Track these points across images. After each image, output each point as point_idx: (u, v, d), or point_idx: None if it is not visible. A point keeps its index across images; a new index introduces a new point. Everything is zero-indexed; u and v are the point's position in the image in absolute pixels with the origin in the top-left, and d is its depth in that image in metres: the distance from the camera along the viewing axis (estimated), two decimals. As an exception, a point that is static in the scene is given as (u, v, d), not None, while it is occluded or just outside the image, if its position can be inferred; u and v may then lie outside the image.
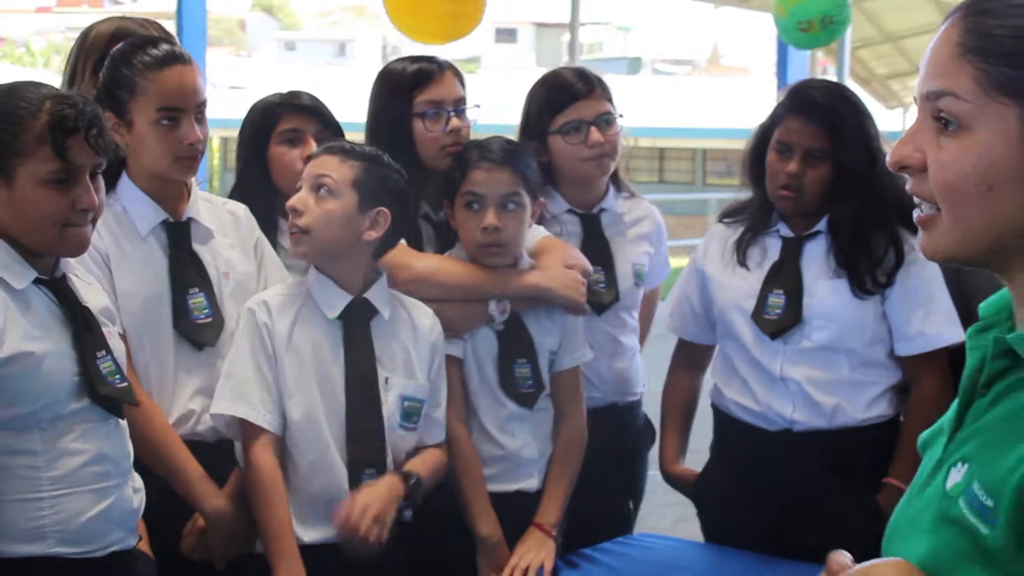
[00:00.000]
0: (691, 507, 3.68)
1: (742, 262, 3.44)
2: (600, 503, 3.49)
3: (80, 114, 2.47)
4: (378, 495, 2.83)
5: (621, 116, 3.52)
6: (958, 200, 1.38)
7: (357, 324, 2.94)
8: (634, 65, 38.27)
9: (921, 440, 1.61)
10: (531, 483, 3.20)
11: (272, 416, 2.88)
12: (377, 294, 2.97)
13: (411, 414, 2.97)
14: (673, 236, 4.49)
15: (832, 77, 16.61)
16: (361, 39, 53.08)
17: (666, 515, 3.85)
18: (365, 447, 2.90)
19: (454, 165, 3.19)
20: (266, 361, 2.89)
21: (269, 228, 3.28)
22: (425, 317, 3.04)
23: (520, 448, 3.18)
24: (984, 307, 1.52)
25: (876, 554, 1.54)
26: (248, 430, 2.89)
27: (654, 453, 3.74)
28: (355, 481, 2.88)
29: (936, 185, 1.40)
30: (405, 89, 3.39)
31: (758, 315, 3.35)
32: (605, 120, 3.47)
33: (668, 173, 28.74)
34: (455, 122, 3.37)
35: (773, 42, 11.60)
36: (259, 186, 3.37)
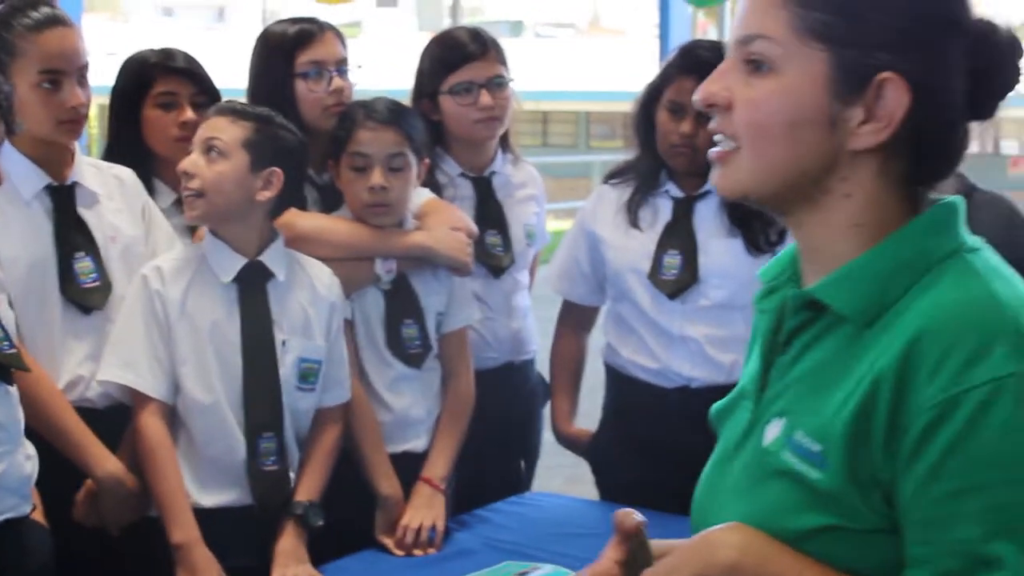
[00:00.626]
0: (581, 467, 3.70)
1: (634, 223, 3.45)
2: (495, 464, 3.52)
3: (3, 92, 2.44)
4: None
5: (512, 80, 3.52)
6: (763, 137, 1.42)
7: (252, 287, 2.92)
8: (516, 28, 38.19)
9: (713, 412, 1.64)
10: (419, 443, 3.21)
11: (161, 384, 2.86)
12: (273, 256, 2.95)
13: (308, 375, 2.96)
14: (557, 199, 4.47)
15: (714, 38, 16.74)
16: (239, 4, 52.43)
17: (555, 476, 3.87)
18: (261, 411, 2.89)
19: (339, 125, 3.17)
20: (156, 328, 2.86)
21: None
22: (323, 275, 3.03)
23: (408, 408, 3.19)
24: (764, 272, 1.58)
25: None
26: (136, 398, 2.87)
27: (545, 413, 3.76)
28: (252, 445, 2.87)
29: (742, 122, 1.43)
30: (286, 50, 3.35)
31: (655, 276, 3.37)
32: (496, 83, 3.47)
33: (551, 136, 28.79)
34: (337, 82, 3.34)
35: (653, 5, 11.64)
36: (133, 149, 3.29)
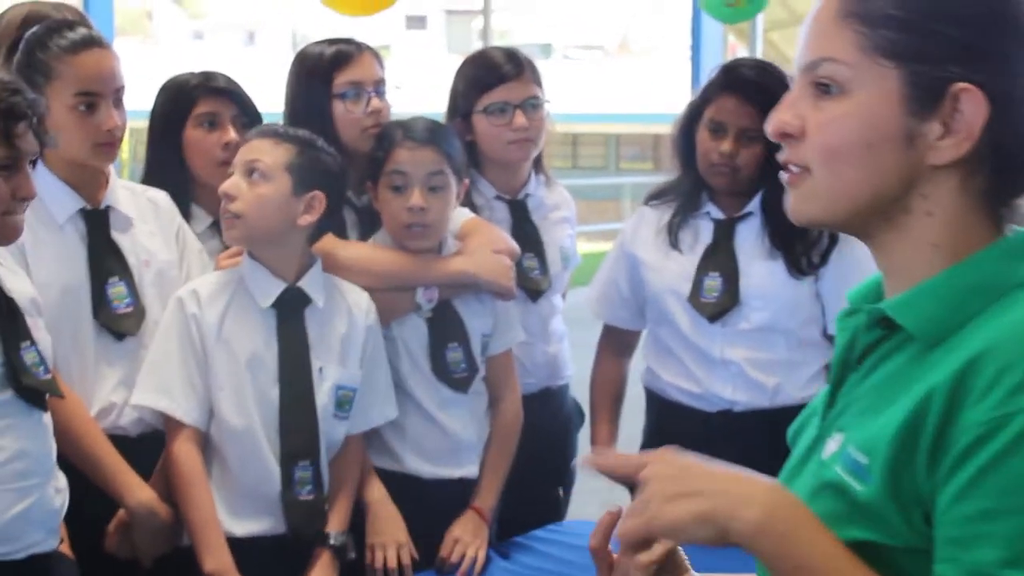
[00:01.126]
0: (616, 491, 3.63)
1: (675, 245, 3.40)
2: (531, 490, 3.46)
3: (29, 102, 2.40)
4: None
5: (548, 102, 3.48)
6: (838, 160, 1.40)
7: (291, 313, 2.88)
8: (545, 51, 38.23)
9: (791, 431, 1.62)
10: (472, 469, 3.18)
11: (195, 410, 2.82)
12: (312, 281, 2.91)
13: (344, 403, 2.93)
14: (588, 221, 4.43)
15: (744, 60, 16.71)
16: (270, 26, 52.69)
17: (590, 501, 3.83)
18: (298, 439, 2.85)
19: (377, 146, 3.13)
20: (192, 353, 2.83)
21: (183, 216, 3.19)
22: (362, 301, 2.99)
23: (460, 431, 3.15)
24: (852, 294, 1.54)
25: None
26: (170, 424, 2.84)
27: (582, 438, 3.70)
28: (287, 474, 2.83)
29: (815, 147, 1.42)
30: (324, 71, 3.32)
31: (695, 298, 3.33)
32: (531, 104, 3.43)
33: (581, 159, 28.76)
34: (375, 103, 3.30)
35: (682, 27, 11.64)
36: (172, 171, 3.26)
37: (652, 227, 3.47)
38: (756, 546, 1.34)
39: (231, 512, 2.83)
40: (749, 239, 3.34)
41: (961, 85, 1.35)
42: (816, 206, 1.44)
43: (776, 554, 1.34)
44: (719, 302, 3.31)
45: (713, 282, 3.32)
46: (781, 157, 1.46)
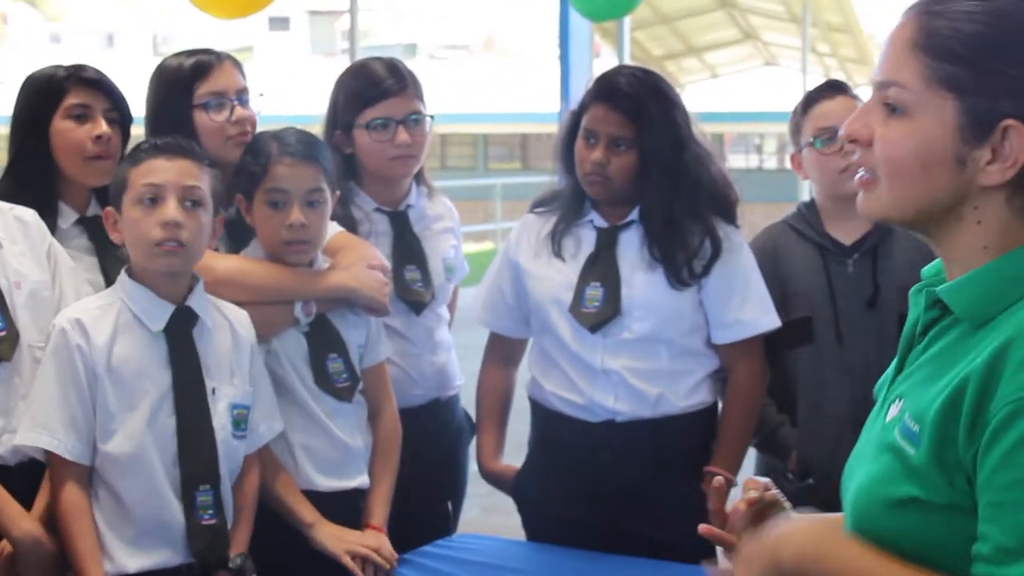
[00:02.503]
0: (495, 496, 3.62)
1: (557, 253, 3.38)
2: (422, 504, 3.43)
3: None
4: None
5: (431, 117, 3.44)
6: (898, 173, 1.62)
7: (181, 335, 2.80)
8: (410, 51, 38.22)
9: (877, 387, 1.81)
10: (364, 480, 3.14)
11: (78, 446, 2.73)
12: (198, 300, 2.83)
13: (240, 422, 2.86)
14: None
15: (612, 60, 16.80)
16: (129, 29, 51.88)
17: (471, 506, 3.81)
18: (197, 464, 2.77)
19: (252, 160, 3.06)
20: (74, 387, 2.73)
21: (49, 213, 3.07)
22: (242, 317, 2.93)
23: (349, 440, 3.11)
24: (927, 270, 1.76)
25: (705, 542, 1.98)
26: (53, 460, 2.74)
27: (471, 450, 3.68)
28: (188, 500, 2.75)
29: (880, 158, 1.63)
30: (184, 83, 3.26)
31: (576, 308, 3.30)
32: (414, 119, 3.38)
33: (450, 159, 28.73)
34: (240, 111, 3.25)
35: (548, 26, 11.67)
36: (39, 165, 3.14)
37: (535, 235, 3.44)
38: (801, 571, 1.69)
39: (127, 546, 2.74)
40: (631, 248, 3.32)
41: (1010, 121, 1.55)
42: (880, 208, 1.67)
43: (816, 572, 1.67)
44: (600, 312, 3.28)
45: (595, 292, 3.29)
46: (856, 158, 1.69)
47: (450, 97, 24.81)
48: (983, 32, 1.57)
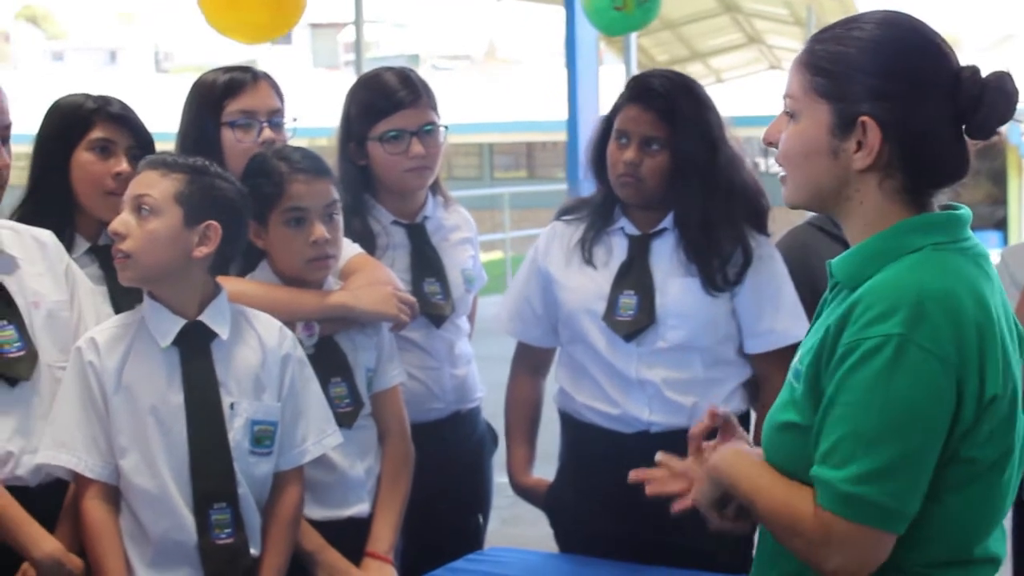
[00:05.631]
0: (518, 508, 3.56)
1: (588, 260, 3.33)
2: (449, 519, 3.38)
3: None
4: None
5: (446, 128, 3.39)
6: (791, 165, 2.07)
7: (194, 350, 2.74)
8: (412, 62, 38.20)
9: None
10: (363, 508, 3.05)
11: (99, 464, 2.70)
12: (214, 314, 2.77)
13: (262, 439, 2.79)
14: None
15: (616, 67, 16.76)
16: (131, 46, 51.98)
17: (492, 518, 3.78)
18: (211, 481, 2.71)
19: (263, 182, 2.97)
20: (91, 404, 2.70)
21: (63, 240, 3.02)
22: (272, 328, 2.86)
23: (347, 468, 3.02)
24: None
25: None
26: (78, 479, 2.71)
27: (497, 461, 3.62)
28: (203, 518, 2.70)
29: (780, 154, 2.07)
30: (216, 99, 3.24)
31: (610, 317, 3.25)
32: (427, 130, 3.34)
33: (456, 169, 28.68)
34: (267, 133, 3.21)
35: (548, 35, 11.70)
36: (58, 197, 3.11)
37: (564, 243, 3.39)
38: (725, 483, 2.15)
39: (149, 563, 2.70)
40: (664, 255, 3.28)
41: (864, 118, 1.98)
42: (789, 196, 2.09)
43: (732, 484, 2.12)
44: (635, 320, 3.23)
45: (628, 300, 3.24)
46: (776, 158, 2.10)
47: (454, 107, 24.80)
48: (845, 52, 2.00)
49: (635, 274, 3.27)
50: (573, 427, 3.37)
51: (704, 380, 3.24)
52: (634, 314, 3.23)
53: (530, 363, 3.56)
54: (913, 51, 1.99)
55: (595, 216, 3.36)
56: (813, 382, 1.97)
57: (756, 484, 2.06)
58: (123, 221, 2.69)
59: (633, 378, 3.24)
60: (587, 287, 3.31)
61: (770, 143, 2.07)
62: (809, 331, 2.10)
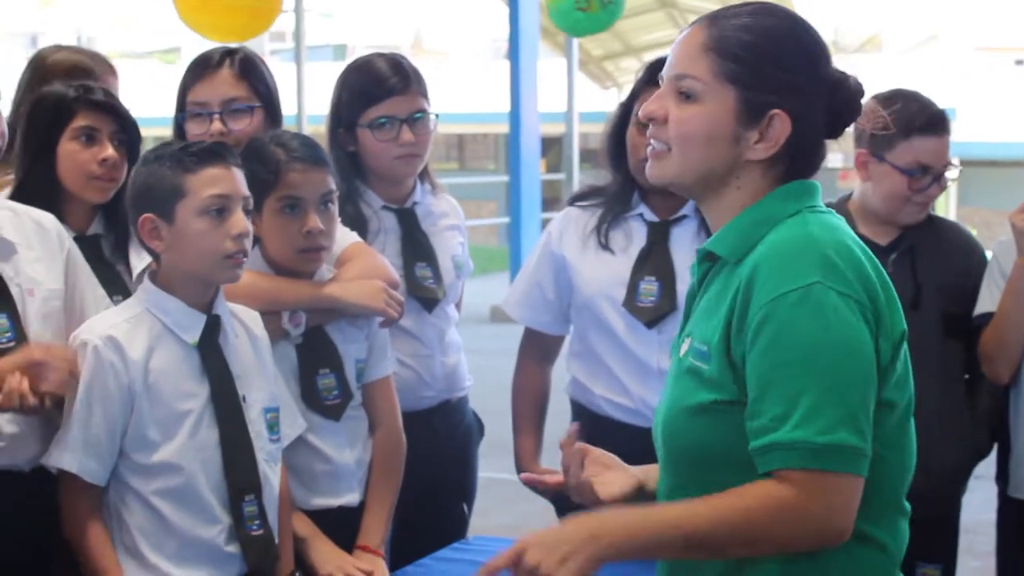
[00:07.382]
0: (521, 504, 3.54)
1: (605, 246, 3.32)
2: (436, 508, 3.39)
3: None
4: None
5: (436, 116, 3.39)
6: (688, 145, 2.04)
7: (213, 345, 2.72)
8: (339, 52, 37.94)
9: (672, 349, 2.22)
10: (353, 497, 3.04)
11: (97, 467, 2.64)
12: (221, 307, 2.76)
13: (273, 425, 2.79)
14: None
15: (554, 61, 16.79)
16: (52, 31, 51.27)
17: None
18: (242, 474, 2.70)
19: (259, 168, 2.92)
20: (100, 407, 2.63)
21: None
22: (256, 318, 2.86)
23: (336, 456, 3.02)
24: (699, 249, 2.16)
25: None
26: (66, 478, 2.66)
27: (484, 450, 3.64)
28: (236, 511, 2.69)
29: (674, 133, 2.05)
30: (181, 89, 3.28)
31: (631, 303, 3.25)
32: (418, 118, 3.34)
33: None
34: (216, 126, 3.24)
35: (475, 27, 11.82)
36: (45, 188, 3.08)
37: (580, 228, 3.38)
38: (619, 556, 1.96)
39: (179, 561, 2.67)
40: (685, 242, 3.28)
41: (776, 111, 2.01)
42: (669, 174, 2.09)
43: (628, 553, 1.97)
44: (657, 306, 3.23)
45: (650, 286, 3.24)
46: (649, 133, 2.09)
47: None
48: (758, 42, 2.02)
49: (655, 260, 3.27)
50: (587, 419, 3.27)
51: None
52: (656, 300, 3.23)
53: (538, 351, 3.55)
54: (817, 48, 2.07)
55: (612, 202, 3.36)
56: (726, 356, 1.98)
57: (692, 522, 1.94)
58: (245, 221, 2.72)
59: (653, 367, 3.24)
60: (605, 272, 3.31)
61: (651, 119, 2.07)
62: (693, 315, 2.11)
